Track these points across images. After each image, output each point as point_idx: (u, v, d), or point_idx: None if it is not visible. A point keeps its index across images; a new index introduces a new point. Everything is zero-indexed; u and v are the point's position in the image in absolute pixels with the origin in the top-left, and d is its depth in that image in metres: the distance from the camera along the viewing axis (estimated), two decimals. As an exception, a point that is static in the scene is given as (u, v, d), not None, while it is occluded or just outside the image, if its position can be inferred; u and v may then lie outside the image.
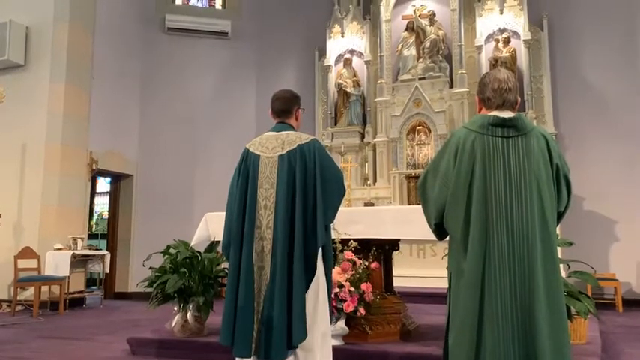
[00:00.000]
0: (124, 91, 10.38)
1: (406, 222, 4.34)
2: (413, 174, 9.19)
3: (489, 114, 2.45)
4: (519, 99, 2.52)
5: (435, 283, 7.59)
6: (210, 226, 4.94)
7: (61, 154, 8.71)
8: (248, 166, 3.14)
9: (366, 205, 8.87)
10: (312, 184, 3.00)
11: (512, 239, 2.27)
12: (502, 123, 2.40)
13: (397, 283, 5.25)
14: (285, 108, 3.23)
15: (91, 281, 9.67)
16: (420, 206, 2.71)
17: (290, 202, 3.00)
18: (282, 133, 3.16)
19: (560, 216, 2.47)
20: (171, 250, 5.16)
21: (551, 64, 9.38)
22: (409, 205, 8.92)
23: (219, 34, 10.99)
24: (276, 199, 3.02)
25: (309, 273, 2.96)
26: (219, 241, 4.87)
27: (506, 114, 2.43)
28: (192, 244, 5.07)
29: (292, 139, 3.11)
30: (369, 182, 9.59)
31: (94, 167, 9.29)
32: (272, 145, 3.13)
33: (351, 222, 4.45)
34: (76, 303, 8.62)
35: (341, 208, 3.21)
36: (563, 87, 9.41)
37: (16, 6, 9.00)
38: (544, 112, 9.23)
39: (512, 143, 2.37)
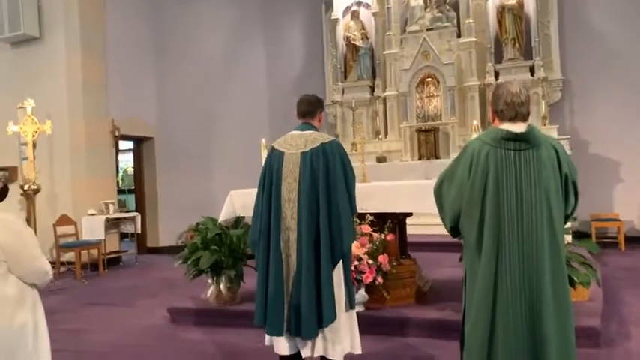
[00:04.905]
0: (139, 56, 10.43)
1: (421, 198, 4.44)
2: (423, 127, 9.30)
3: (502, 127, 2.57)
4: (530, 110, 2.62)
5: (442, 230, 7.91)
6: (235, 203, 5.24)
7: (85, 126, 9.01)
8: (273, 162, 3.39)
9: (378, 160, 9.23)
10: (335, 179, 3.24)
11: (523, 247, 2.44)
12: (514, 138, 2.51)
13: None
14: (309, 110, 3.52)
15: (123, 234, 10.20)
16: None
17: (313, 195, 3.23)
18: (306, 132, 3.42)
19: (567, 217, 2.65)
20: (200, 227, 5.55)
21: (558, 10, 9.28)
22: (419, 158, 9.18)
23: (227, -9, 10.86)
24: (299, 192, 3.26)
25: (336, 259, 3.21)
26: (244, 217, 5.36)
27: (519, 127, 2.54)
28: (219, 220, 5.41)
29: (315, 137, 3.37)
30: (380, 136, 9.81)
31: (116, 134, 9.60)
32: (296, 142, 3.38)
33: (367, 197, 4.66)
34: (113, 262, 9.26)
35: (358, 184, 3.51)
36: (570, 33, 9.33)
37: (25, -22, 8.95)
38: (551, 58, 9.25)
39: (524, 156, 2.49)
